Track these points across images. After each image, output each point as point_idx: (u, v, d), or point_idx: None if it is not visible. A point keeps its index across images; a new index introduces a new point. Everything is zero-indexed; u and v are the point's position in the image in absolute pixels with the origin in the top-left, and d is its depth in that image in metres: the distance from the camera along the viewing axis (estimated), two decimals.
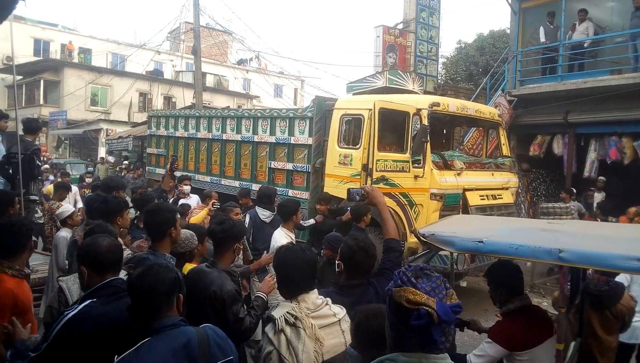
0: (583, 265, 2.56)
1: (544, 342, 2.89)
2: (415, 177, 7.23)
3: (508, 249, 2.64)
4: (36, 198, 6.06)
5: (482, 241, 2.70)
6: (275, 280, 3.14)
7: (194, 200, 7.84)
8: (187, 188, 7.99)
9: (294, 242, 4.30)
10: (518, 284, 3.16)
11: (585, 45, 11.66)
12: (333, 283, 2.83)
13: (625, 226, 5.06)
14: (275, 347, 2.15)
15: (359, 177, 7.35)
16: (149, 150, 13.58)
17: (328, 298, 2.43)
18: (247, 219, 6.14)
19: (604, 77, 10.90)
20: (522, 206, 11.50)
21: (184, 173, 9.79)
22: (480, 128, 10.31)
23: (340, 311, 2.39)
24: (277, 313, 2.25)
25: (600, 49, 11.74)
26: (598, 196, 10.82)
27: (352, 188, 4.10)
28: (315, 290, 2.42)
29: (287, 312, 2.23)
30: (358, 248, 2.74)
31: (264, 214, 6.11)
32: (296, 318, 2.21)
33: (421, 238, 2.94)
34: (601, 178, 11.02)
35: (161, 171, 12.21)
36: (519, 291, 3.14)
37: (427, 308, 1.40)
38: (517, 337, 2.95)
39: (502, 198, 8.09)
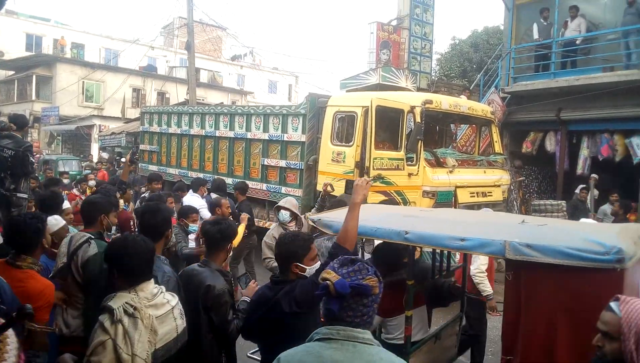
0: (422, 244, 2.99)
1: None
2: (409, 175, 7.25)
3: (369, 231, 3.12)
4: (25, 195, 5.95)
5: None
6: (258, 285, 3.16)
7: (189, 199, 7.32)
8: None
9: None
10: (395, 261, 3.67)
11: (578, 42, 11.69)
12: (271, 279, 2.89)
13: (476, 213, 5.35)
14: (110, 336, 2.18)
15: (352, 174, 7.35)
16: (141, 146, 13.53)
17: (162, 287, 2.50)
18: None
19: (596, 75, 10.94)
20: (515, 203, 11.54)
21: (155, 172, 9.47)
22: (473, 125, 10.33)
23: (172, 298, 2.47)
24: (115, 303, 2.26)
25: (593, 46, 11.78)
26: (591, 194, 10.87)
27: (351, 180, 4.26)
28: (152, 280, 2.45)
29: (126, 302, 2.26)
30: (284, 246, 2.82)
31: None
32: (135, 308, 2.25)
33: (310, 223, 3.34)
34: (594, 175, 11.01)
35: (154, 168, 12.17)
36: (395, 267, 3.65)
37: (327, 282, 1.74)
38: (389, 306, 3.45)
39: (491, 195, 8.13)
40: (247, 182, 9.29)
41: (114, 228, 4.24)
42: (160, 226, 3.03)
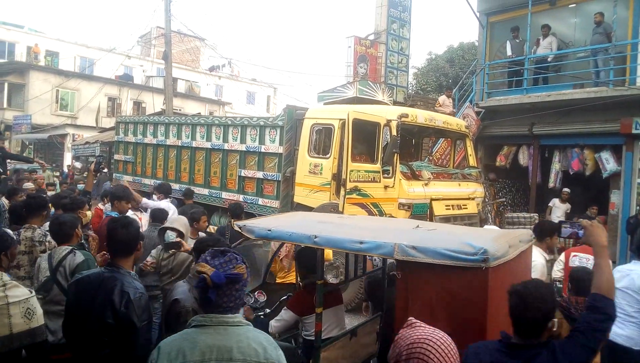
0: (328, 247, 3.24)
1: (327, 308, 3.62)
2: (385, 187, 7.31)
3: (284, 235, 3.36)
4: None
5: (270, 230, 3.39)
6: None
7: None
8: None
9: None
10: (313, 265, 3.75)
11: (549, 59, 12.02)
12: (502, 341, 2.26)
13: (382, 220, 5.57)
14: None
15: (328, 186, 7.39)
16: (116, 156, 13.34)
17: (13, 281, 2.47)
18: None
19: (567, 91, 11.25)
20: (489, 215, 11.71)
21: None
22: (449, 139, 10.49)
23: (18, 295, 2.41)
24: None
25: (564, 63, 12.12)
26: (563, 207, 11.11)
27: (564, 221, 3.77)
28: None
29: None
30: (521, 299, 2.18)
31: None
32: None
33: (237, 228, 3.58)
34: (566, 189, 11.24)
35: (129, 178, 12.00)
36: (313, 270, 3.75)
37: (204, 275, 1.95)
38: (306, 305, 3.72)
39: (467, 208, 8.24)
40: (224, 193, 9.31)
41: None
42: (134, 239, 2.90)
